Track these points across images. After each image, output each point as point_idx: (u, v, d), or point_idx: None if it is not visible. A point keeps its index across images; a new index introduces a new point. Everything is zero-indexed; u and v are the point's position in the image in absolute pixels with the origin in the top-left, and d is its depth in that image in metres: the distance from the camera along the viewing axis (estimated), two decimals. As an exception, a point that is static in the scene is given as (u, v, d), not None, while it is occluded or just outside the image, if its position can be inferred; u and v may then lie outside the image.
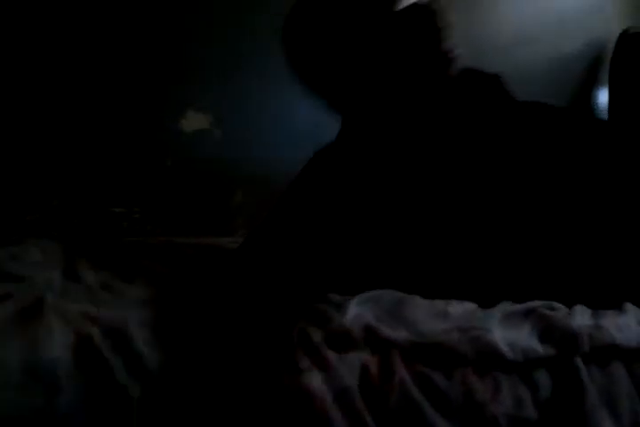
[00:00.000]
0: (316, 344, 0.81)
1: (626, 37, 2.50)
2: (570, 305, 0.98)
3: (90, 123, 1.81)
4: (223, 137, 1.96)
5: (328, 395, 0.75)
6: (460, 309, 0.94)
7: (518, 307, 0.95)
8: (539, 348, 0.86)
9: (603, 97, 2.57)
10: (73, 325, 0.77)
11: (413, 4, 1.03)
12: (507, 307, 0.95)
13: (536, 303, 0.97)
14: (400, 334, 0.85)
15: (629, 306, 0.99)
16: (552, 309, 0.96)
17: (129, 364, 0.72)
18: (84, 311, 0.81)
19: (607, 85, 2.52)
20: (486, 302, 0.97)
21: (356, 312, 0.87)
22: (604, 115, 2.47)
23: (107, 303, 0.88)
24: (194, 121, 1.93)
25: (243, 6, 1.96)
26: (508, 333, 0.88)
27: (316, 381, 0.76)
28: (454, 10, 1.15)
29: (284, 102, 1.92)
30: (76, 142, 1.80)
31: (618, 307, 0.99)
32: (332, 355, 0.80)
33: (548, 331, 0.89)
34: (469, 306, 0.96)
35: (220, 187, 1.95)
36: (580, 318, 0.93)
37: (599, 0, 2.65)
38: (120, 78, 1.84)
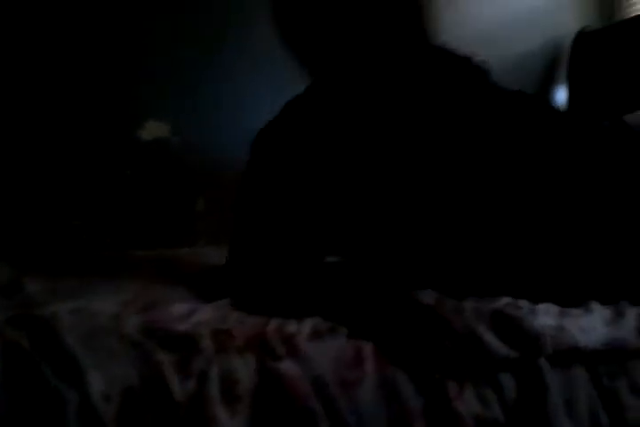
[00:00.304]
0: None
1: (582, 36, 2.54)
2: (537, 300, 0.98)
3: (48, 133, 1.79)
4: (182, 145, 1.94)
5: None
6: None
7: (484, 304, 0.94)
8: (503, 349, 0.86)
9: (561, 95, 2.60)
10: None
11: None
12: (474, 304, 0.94)
13: (501, 302, 0.96)
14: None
15: (595, 305, 0.99)
16: (516, 306, 0.95)
17: (60, 367, 0.70)
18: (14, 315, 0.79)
19: (566, 84, 2.56)
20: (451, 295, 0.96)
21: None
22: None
23: (44, 304, 0.85)
24: (153, 130, 1.91)
25: (202, 15, 1.95)
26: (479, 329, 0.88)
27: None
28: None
29: (242, 108, 1.91)
30: (35, 153, 1.77)
31: (583, 306, 0.98)
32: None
33: (511, 332, 0.89)
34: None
35: (181, 195, 1.94)
36: (544, 318, 0.92)
37: (556, 1, 2.68)
38: (78, 89, 1.82)
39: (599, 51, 2.47)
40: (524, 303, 0.97)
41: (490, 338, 0.87)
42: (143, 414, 0.68)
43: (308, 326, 0.87)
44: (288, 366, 0.77)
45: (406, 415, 0.78)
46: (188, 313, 0.91)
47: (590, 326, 0.93)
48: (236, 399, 0.72)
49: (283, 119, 1.03)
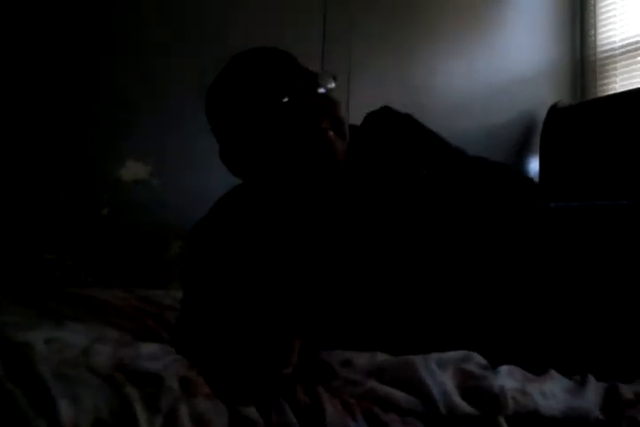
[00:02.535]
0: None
1: (555, 111, 2.65)
2: (503, 362, 0.99)
3: (26, 167, 1.79)
4: (162, 187, 1.95)
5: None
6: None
7: (446, 358, 0.96)
8: (464, 405, 0.87)
9: (534, 165, 2.69)
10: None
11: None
12: (437, 357, 0.95)
13: (462, 355, 0.98)
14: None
15: (555, 373, 1.00)
16: (478, 364, 0.97)
17: (33, 395, 0.70)
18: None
19: (537, 154, 2.64)
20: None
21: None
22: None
23: (17, 333, 0.85)
24: (133, 170, 1.93)
25: (188, 56, 2.00)
26: (439, 386, 0.89)
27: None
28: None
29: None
30: (11, 186, 1.77)
31: (545, 373, 1.00)
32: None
33: (473, 390, 0.90)
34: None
35: (156, 237, 1.94)
36: (507, 379, 0.94)
37: (531, 75, 2.80)
38: (59, 125, 1.84)
39: (570, 126, 2.57)
40: (481, 360, 0.98)
41: (452, 395, 0.88)
42: (112, 446, 0.68)
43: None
44: (257, 414, 0.78)
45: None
46: (157, 354, 0.92)
47: (551, 392, 0.94)
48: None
49: (214, 216, 1.20)
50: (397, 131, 1.25)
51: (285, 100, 1.12)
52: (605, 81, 2.89)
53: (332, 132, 1.12)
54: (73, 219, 1.84)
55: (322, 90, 1.15)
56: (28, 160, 1.80)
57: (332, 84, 1.17)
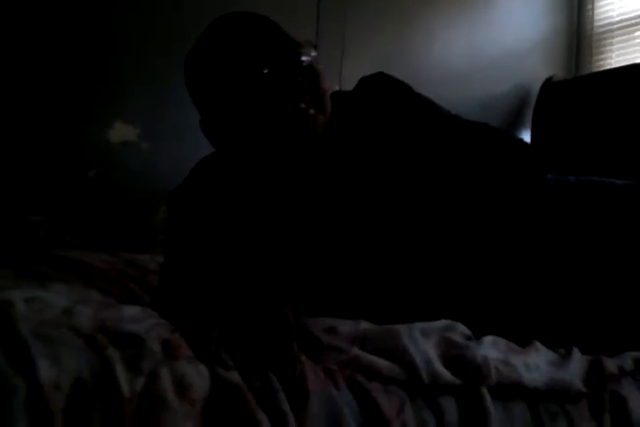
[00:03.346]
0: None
1: (549, 85, 2.63)
2: (488, 332, 1.00)
3: (12, 127, 1.76)
4: (150, 150, 1.93)
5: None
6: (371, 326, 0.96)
7: (430, 327, 0.96)
8: (447, 374, 0.87)
9: (525, 138, 2.67)
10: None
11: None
12: (421, 326, 0.95)
13: (445, 324, 0.98)
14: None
15: (539, 345, 1.01)
16: (462, 333, 0.97)
17: (12, 354, 0.69)
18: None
19: (530, 128, 2.63)
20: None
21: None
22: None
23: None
24: (121, 132, 1.90)
25: (183, 16, 1.97)
26: (422, 354, 0.89)
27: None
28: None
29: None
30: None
31: (530, 344, 1.01)
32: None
33: (456, 359, 0.90)
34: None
35: (143, 202, 1.92)
36: (490, 349, 0.94)
37: (528, 47, 2.77)
38: (46, 84, 1.81)
39: (564, 101, 2.56)
40: (465, 330, 0.99)
41: (435, 363, 0.88)
42: (92, 406, 0.68)
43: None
44: (239, 378, 0.77)
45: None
46: (139, 317, 0.91)
47: (535, 364, 0.94)
48: (189, 402, 0.72)
49: (192, 181, 1.20)
50: (392, 97, 1.23)
51: (266, 71, 1.09)
52: (601, 56, 2.87)
53: (312, 111, 1.10)
54: (60, 180, 1.82)
55: (304, 59, 1.12)
56: (15, 120, 1.77)
57: (314, 53, 1.14)
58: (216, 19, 1.17)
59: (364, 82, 1.27)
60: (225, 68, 1.11)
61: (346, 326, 0.95)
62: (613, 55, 2.82)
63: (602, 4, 2.88)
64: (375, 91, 1.24)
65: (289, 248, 1.10)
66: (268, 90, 1.08)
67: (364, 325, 0.97)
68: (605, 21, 2.86)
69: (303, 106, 1.09)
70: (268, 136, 1.11)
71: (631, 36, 2.74)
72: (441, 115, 1.24)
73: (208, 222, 1.11)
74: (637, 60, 2.62)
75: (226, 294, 1.00)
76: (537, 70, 2.74)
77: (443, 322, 0.98)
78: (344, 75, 2.26)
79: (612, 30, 2.83)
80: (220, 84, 1.12)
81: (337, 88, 2.18)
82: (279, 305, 0.90)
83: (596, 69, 2.84)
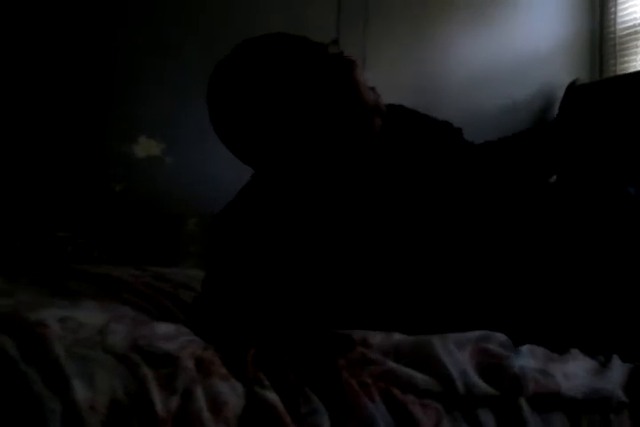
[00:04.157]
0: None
1: (572, 89, 2.60)
2: (525, 341, 0.98)
3: (39, 143, 1.78)
4: (175, 164, 1.94)
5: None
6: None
7: (464, 337, 0.94)
8: (483, 385, 0.86)
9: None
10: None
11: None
12: (455, 336, 0.94)
13: (481, 334, 0.96)
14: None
15: (577, 353, 0.99)
16: (498, 343, 0.96)
17: (47, 376, 0.69)
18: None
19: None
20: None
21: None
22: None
23: (31, 311, 0.84)
24: (145, 147, 1.91)
25: (201, 31, 1.98)
26: (457, 365, 0.87)
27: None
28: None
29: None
30: (24, 162, 1.76)
31: (567, 353, 0.99)
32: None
33: (492, 370, 0.89)
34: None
35: (169, 215, 1.93)
36: (528, 359, 0.93)
37: (551, 51, 2.75)
38: (71, 100, 1.82)
39: (587, 104, 2.53)
40: (503, 338, 0.97)
41: (471, 375, 0.87)
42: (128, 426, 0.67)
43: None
44: (275, 396, 0.77)
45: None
46: (172, 334, 0.91)
47: (574, 373, 0.93)
48: (224, 421, 0.71)
49: (242, 201, 1.14)
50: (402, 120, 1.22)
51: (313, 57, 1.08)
52: (625, 59, 2.83)
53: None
54: (86, 196, 1.83)
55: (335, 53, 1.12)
56: (41, 137, 1.79)
57: (338, 51, 1.13)
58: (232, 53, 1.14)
59: None
60: (270, 70, 1.08)
61: (378, 339, 0.94)
62: (638, 58, 2.78)
63: (624, 6, 2.85)
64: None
65: (328, 267, 1.07)
66: (324, 71, 1.08)
67: (397, 336, 0.96)
68: (629, 24, 2.82)
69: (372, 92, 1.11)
70: (337, 125, 1.09)
71: (655, 38, 2.71)
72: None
73: (255, 245, 1.07)
74: (662, 62, 2.59)
75: (266, 316, 1.00)
76: (560, 74, 2.72)
77: (477, 332, 0.97)
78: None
79: (635, 32, 2.79)
80: (269, 87, 1.07)
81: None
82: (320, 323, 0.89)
83: (620, 72, 2.80)
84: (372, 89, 1.14)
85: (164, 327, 0.90)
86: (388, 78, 2.21)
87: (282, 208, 1.09)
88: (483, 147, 1.27)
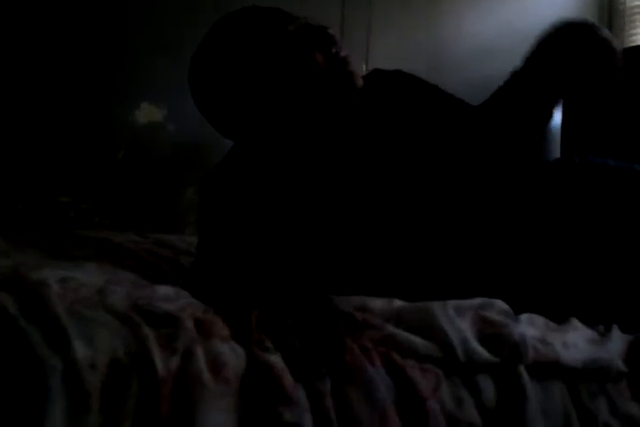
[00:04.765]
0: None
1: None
2: (525, 310, 0.99)
3: (42, 110, 1.77)
4: (177, 132, 1.93)
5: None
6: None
7: (465, 304, 0.94)
8: (483, 352, 0.86)
9: (557, 116, 2.62)
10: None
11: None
12: (456, 303, 0.94)
13: (481, 302, 0.96)
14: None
15: (577, 323, 0.99)
16: (499, 311, 0.96)
17: (48, 334, 0.69)
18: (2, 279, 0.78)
19: (561, 106, 2.58)
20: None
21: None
22: (557, 135, 2.52)
23: (32, 271, 0.84)
24: (147, 114, 1.90)
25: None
26: (458, 332, 0.87)
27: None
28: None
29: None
30: (26, 128, 1.75)
31: (567, 322, 0.99)
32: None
33: (492, 337, 0.89)
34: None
35: (171, 181, 1.92)
36: (528, 328, 0.93)
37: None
38: (72, 67, 1.81)
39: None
40: (503, 307, 0.97)
41: (471, 341, 0.87)
42: (127, 385, 0.67)
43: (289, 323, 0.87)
44: (277, 358, 0.77)
45: (384, 414, 0.77)
46: (172, 296, 0.91)
47: (573, 342, 0.93)
48: (224, 382, 0.71)
49: (229, 164, 1.16)
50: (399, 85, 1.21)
51: (291, 27, 1.07)
52: (634, 31, 2.79)
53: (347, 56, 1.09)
54: (88, 162, 1.82)
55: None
56: (44, 102, 1.77)
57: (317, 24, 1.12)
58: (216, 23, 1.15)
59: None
60: (247, 40, 1.08)
61: (378, 304, 0.94)
62: (647, 30, 2.75)
63: (635, -23, 2.81)
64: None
65: (323, 228, 1.08)
66: (300, 43, 1.07)
67: (398, 302, 0.96)
68: (638, -5, 2.79)
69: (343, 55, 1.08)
70: (311, 95, 1.08)
71: (665, 9, 2.67)
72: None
73: (245, 207, 1.09)
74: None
75: (263, 278, 1.00)
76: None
77: (478, 300, 0.97)
78: (371, 53, 2.23)
79: (645, 4, 2.76)
80: (249, 57, 1.08)
81: (363, 65, 2.16)
82: (317, 288, 0.89)
83: (628, 45, 2.77)
84: (346, 59, 1.11)
85: (163, 289, 0.90)
86: (396, 46, 2.19)
87: (270, 169, 1.10)
88: (477, 108, 1.24)
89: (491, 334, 0.90)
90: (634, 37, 2.79)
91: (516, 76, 1.15)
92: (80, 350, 0.67)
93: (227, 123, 1.15)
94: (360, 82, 1.11)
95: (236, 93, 1.10)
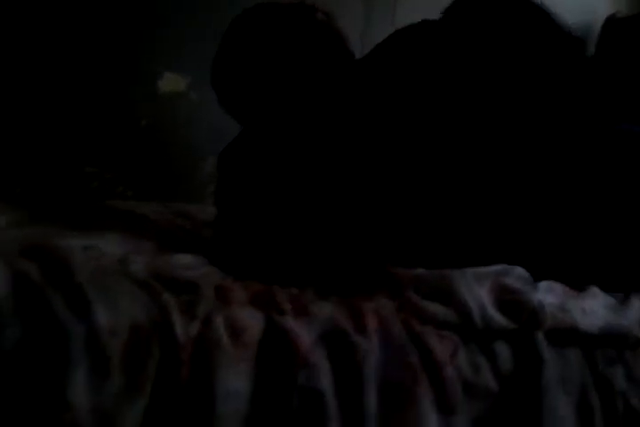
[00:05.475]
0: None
1: (612, 22, 2.50)
2: (541, 277, 0.98)
3: (64, 79, 1.78)
4: (200, 100, 1.93)
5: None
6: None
7: (484, 271, 0.94)
8: (500, 319, 0.86)
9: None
10: (9, 259, 0.75)
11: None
12: (475, 270, 0.94)
13: (500, 269, 0.96)
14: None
15: (596, 290, 0.99)
16: (518, 278, 0.96)
17: (70, 300, 0.70)
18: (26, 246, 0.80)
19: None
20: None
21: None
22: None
23: (55, 239, 0.86)
24: (170, 82, 1.90)
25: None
26: (476, 299, 0.88)
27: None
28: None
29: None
30: (49, 98, 1.76)
31: (587, 289, 0.99)
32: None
33: (510, 304, 0.89)
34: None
35: (193, 151, 1.93)
36: (546, 294, 0.93)
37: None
38: (95, 36, 1.80)
39: (628, 40, 2.43)
40: (523, 273, 0.97)
41: (488, 307, 0.87)
42: (148, 351, 0.69)
43: (309, 289, 0.90)
44: (294, 322, 0.78)
45: (410, 369, 0.78)
46: (193, 264, 0.92)
47: (592, 308, 0.93)
48: (242, 346, 0.73)
49: (245, 138, 1.21)
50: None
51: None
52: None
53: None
54: (112, 131, 1.83)
55: None
56: (66, 71, 1.78)
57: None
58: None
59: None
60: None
61: (398, 271, 0.95)
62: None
63: None
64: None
65: (339, 199, 1.09)
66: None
67: (418, 270, 0.96)
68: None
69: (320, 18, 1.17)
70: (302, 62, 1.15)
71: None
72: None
73: (260, 180, 1.11)
74: None
75: (282, 247, 1.01)
76: (598, 6, 2.61)
77: (497, 266, 0.97)
78: (397, 18, 2.20)
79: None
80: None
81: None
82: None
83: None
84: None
85: (183, 258, 0.92)
86: (421, 11, 2.14)
87: (283, 144, 1.13)
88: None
89: (509, 300, 0.90)
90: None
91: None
92: (101, 316, 0.69)
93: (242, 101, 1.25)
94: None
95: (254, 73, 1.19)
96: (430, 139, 1.09)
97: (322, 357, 0.76)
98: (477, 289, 0.89)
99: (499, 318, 0.86)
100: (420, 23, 1.20)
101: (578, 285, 1.00)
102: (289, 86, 1.16)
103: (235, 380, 0.70)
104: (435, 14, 1.23)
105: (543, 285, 0.96)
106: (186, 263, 0.90)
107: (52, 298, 0.70)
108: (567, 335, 0.89)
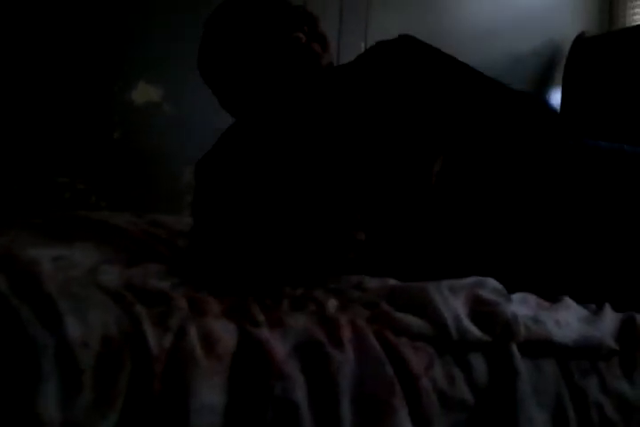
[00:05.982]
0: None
1: (581, 41, 2.55)
2: (518, 289, 0.99)
3: (37, 90, 1.76)
4: (174, 112, 1.92)
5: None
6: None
7: (459, 284, 0.95)
8: (475, 331, 0.86)
9: (556, 97, 2.61)
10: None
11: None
12: (450, 282, 0.95)
13: (475, 281, 0.97)
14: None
15: (570, 301, 1.00)
16: (492, 290, 0.96)
17: (39, 311, 0.69)
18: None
19: (560, 86, 2.56)
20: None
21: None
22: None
23: (24, 250, 0.85)
24: (144, 93, 1.89)
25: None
26: (451, 311, 0.88)
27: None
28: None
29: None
30: (23, 107, 1.74)
31: (560, 300, 1.00)
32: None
33: (485, 316, 0.89)
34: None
35: (167, 162, 1.92)
36: (520, 306, 0.93)
37: (557, 2, 2.68)
38: (70, 44, 1.79)
39: (596, 57, 2.48)
40: (496, 285, 0.98)
41: (464, 320, 0.87)
42: (120, 363, 0.68)
43: (284, 301, 0.89)
44: (268, 333, 0.77)
45: (385, 381, 0.78)
46: (166, 274, 0.91)
47: (565, 320, 0.93)
48: (216, 358, 0.72)
49: (220, 147, 1.22)
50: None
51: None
52: (636, 10, 2.76)
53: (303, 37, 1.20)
54: (85, 142, 1.81)
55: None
56: (41, 82, 1.76)
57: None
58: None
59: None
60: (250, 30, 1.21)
61: (373, 283, 0.95)
62: (649, 8, 2.71)
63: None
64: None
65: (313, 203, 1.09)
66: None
67: (392, 282, 0.96)
68: (640, -27, 2.75)
69: (295, 36, 1.19)
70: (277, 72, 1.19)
71: (667, -13, 2.63)
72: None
73: (235, 189, 1.11)
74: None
75: (255, 258, 1.01)
76: (568, 26, 2.65)
77: (472, 279, 0.97)
78: (369, 33, 2.21)
79: (647, -19, 2.72)
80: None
81: (362, 43, 2.15)
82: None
83: (630, 24, 2.73)
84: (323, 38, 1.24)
85: (156, 268, 0.90)
86: (395, 26, 2.16)
87: (255, 151, 1.14)
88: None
89: (483, 312, 0.90)
90: (635, 16, 2.76)
91: None
92: (72, 328, 0.68)
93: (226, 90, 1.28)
94: (326, 61, 1.22)
95: (234, 62, 1.24)
96: (401, 147, 1.09)
97: (296, 368, 0.75)
98: (453, 301, 0.90)
99: (474, 330, 0.86)
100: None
101: (551, 295, 1.01)
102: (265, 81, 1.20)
103: (209, 393, 0.69)
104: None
105: (517, 297, 0.97)
106: (159, 273, 0.89)
107: (21, 310, 0.68)
108: (542, 347, 0.89)
